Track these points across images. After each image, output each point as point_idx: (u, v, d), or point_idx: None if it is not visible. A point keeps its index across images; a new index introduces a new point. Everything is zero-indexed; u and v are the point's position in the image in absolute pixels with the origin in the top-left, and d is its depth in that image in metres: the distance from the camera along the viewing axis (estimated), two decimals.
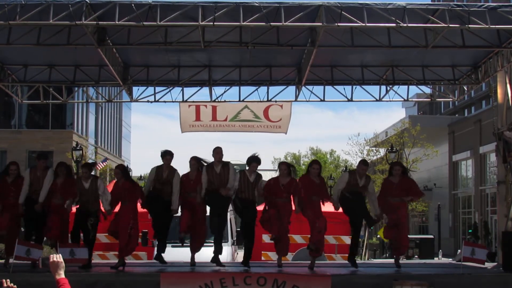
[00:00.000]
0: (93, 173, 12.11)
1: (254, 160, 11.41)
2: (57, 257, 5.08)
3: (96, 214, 11.30)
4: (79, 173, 15.78)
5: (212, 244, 11.62)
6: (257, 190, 11.39)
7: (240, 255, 15.64)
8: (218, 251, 11.44)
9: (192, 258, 11.62)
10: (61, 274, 5.04)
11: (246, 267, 11.20)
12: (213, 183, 11.32)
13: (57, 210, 11.23)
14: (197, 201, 11.37)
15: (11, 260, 10.70)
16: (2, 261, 12.08)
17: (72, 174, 12.17)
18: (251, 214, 11.43)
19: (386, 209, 11.80)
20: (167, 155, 11.58)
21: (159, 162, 11.73)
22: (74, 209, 11.70)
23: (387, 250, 28.33)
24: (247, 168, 11.55)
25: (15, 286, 5.01)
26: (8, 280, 5.02)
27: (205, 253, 11.65)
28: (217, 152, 11.47)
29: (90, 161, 39.96)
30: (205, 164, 11.59)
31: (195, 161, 11.61)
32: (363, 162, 12.00)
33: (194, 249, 11.64)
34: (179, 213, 11.63)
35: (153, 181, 11.59)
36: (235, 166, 11.74)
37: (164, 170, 11.54)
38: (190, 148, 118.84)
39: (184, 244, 11.98)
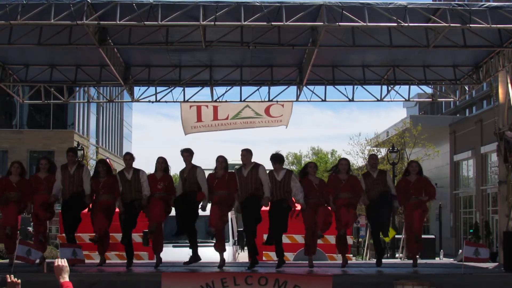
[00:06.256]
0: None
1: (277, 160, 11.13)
2: (62, 261, 5.15)
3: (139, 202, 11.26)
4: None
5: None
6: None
7: (241, 255, 15.63)
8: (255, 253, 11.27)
9: (222, 259, 11.31)
10: (65, 278, 5.11)
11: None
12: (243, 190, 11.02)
13: (102, 207, 11.30)
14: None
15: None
16: (6, 260, 12.12)
17: (112, 171, 12.05)
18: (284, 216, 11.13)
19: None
20: (185, 152, 11.31)
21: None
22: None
23: (388, 250, 28.29)
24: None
25: (19, 280, 5.07)
26: (12, 275, 5.08)
27: (206, 253, 11.64)
28: (243, 154, 11.03)
29: (91, 161, 39.97)
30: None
31: (223, 160, 11.19)
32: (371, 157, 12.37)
33: (222, 250, 11.34)
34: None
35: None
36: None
37: (184, 170, 11.34)
38: (191, 148, 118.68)
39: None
